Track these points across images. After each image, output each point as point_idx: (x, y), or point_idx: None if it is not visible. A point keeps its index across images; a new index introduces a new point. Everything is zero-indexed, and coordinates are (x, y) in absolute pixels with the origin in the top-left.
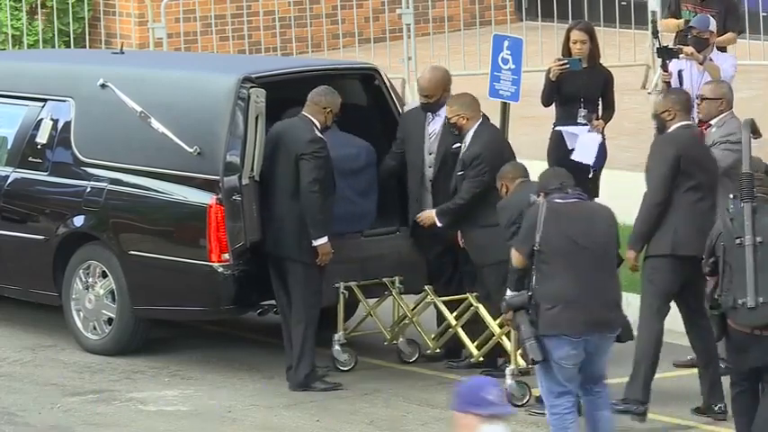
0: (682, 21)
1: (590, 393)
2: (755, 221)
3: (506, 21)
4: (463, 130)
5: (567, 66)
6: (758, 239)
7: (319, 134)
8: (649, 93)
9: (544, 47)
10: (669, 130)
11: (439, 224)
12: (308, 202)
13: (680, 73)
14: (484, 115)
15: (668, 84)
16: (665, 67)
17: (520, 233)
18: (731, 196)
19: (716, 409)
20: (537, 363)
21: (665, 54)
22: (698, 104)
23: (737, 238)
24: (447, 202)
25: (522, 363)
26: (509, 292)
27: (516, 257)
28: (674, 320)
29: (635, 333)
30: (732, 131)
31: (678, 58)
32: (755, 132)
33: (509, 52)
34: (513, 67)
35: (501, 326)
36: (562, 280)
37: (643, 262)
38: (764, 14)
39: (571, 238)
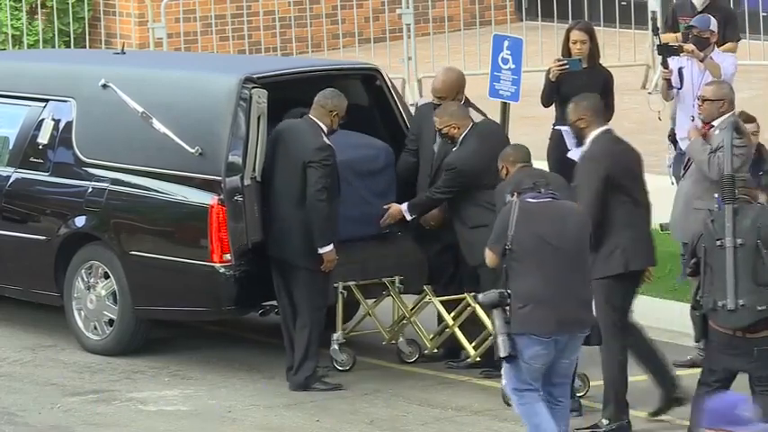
0: (680, 34)
1: (553, 400)
2: (736, 223)
3: (506, 21)
4: (455, 139)
5: (567, 66)
6: (739, 241)
7: (327, 140)
8: (649, 93)
9: (544, 47)
10: (589, 139)
11: (408, 218)
12: (314, 210)
13: (680, 71)
14: (484, 116)
15: (669, 81)
16: (665, 65)
17: (493, 232)
18: (715, 196)
19: None
20: (505, 359)
21: (666, 51)
22: (699, 105)
23: (718, 239)
24: (418, 196)
25: None
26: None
27: (489, 256)
28: (673, 320)
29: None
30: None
31: (679, 55)
32: (740, 132)
33: (509, 52)
34: (513, 66)
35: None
36: (533, 279)
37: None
38: (764, 14)
39: (542, 238)
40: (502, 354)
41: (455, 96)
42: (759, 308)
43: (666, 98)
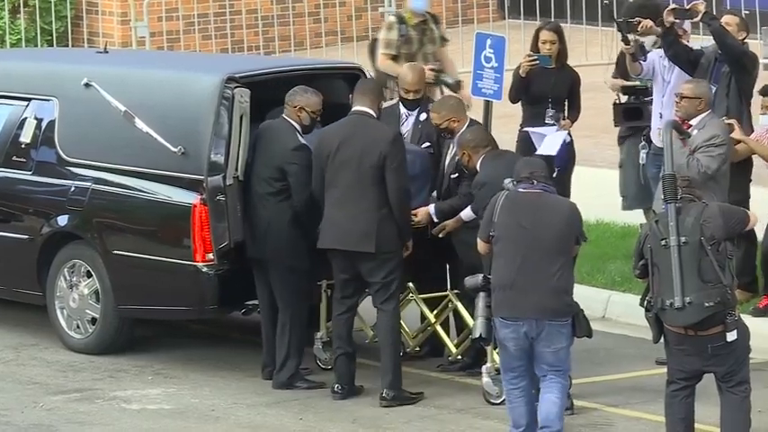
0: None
1: (544, 379)
2: (679, 222)
3: (489, 19)
4: (455, 133)
5: (537, 62)
6: (683, 240)
7: (302, 140)
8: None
9: (527, 45)
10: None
11: (435, 220)
12: (306, 210)
13: (653, 64)
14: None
15: (633, 56)
16: (625, 41)
17: (482, 222)
18: (660, 197)
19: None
20: (479, 339)
21: (625, 27)
22: (676, 102)
23: (663, 239)
24: (446, 201)
25: (497, 360)
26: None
27: (479, 245)
28: None
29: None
30: (715, 134)
31: (638, 31)
32: (682, 133)
33: (492, 50)
34: (495, 65)
35: None
36: (507, 264)
37: None
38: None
39: (520, 225)
40: (475, 334)
41: (423, 91)
42: (706, 304)
43: (633, 72)
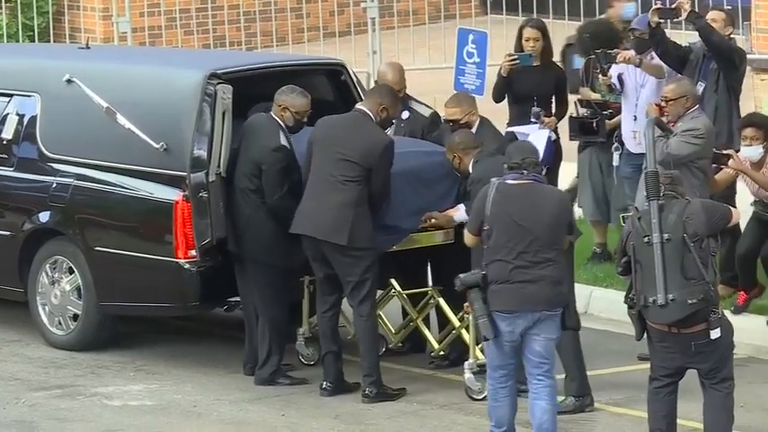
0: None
1: (532, 381)
2: (662, 219)
3: (471, 14)
4: (472, 126)
5: (518, 61)
6: (665, 237)
7: (282, 140)
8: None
9: (509, 41)
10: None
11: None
12: (277, 211)
13: (620, 77)
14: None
15: (609, 87)
16: (603, 72)
17: (471, 213)
18: (644, 194)
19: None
20: (488, 340)
21: (604, 58)
22: (663, 107)
23: (645, 236)
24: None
25: (480, 357)
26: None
27: (467, 237)
28: None
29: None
30: (695, 127)
31: (616, 62)
32: (664, 129)
33: (474, 46)
34: (477, 60)
35: (461, 320)
36: (500, 257)
37: None
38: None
39: (511, 217)
40: (488, 336)
41: (405, 88)
42: (690, 301)
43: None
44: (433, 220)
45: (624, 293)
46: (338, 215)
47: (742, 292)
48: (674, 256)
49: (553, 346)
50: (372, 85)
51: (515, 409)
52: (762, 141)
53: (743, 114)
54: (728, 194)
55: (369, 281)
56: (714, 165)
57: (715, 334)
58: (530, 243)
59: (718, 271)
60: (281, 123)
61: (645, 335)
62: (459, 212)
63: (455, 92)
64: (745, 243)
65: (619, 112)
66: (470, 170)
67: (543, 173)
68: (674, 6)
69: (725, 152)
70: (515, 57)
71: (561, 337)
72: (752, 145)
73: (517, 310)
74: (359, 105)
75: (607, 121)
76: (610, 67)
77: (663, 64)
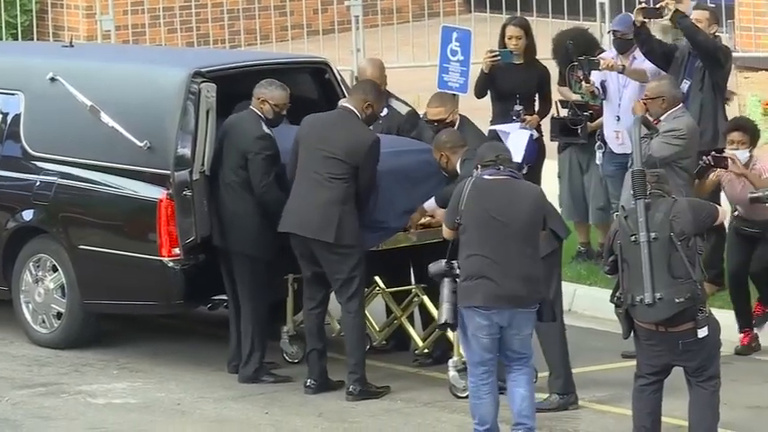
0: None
1: (511, 371)
2: (649, 218)
3: (455, 12)
4: (455, 124)
5: (499, 57)
6: (652, 235)
7: (266, 130)
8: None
9: (493, 39)
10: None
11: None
12: (265, 203)
13: (603, 84)
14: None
15: (593, 93)
16: (587, 80)
17: (448, 207)
18: (631, 193)
19: None
20: (445, 326)
21: (587, 65)
22: (645, 103)
23: (632, 235)
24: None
25: (465, 354)
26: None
27: (445, 230)
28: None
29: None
30: (677, 127)
31: (599, 69)
32: (650, 128)
33: (458, 44)
34: (461, 58)
35: None
36: (476, 253)
37: None
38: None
39: (488, 212)
40: (441, 320)
41: (384, 84)
42: (677, 300)
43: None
44: (429, 218)
45: (609, 291)
46: (325, 213)
47: (745, 332)
48: (661, 254)
49: (530, 339)
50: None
51: (498, 406)
52: (748, 145)
53: (728, 112)
54: (714, 190)
55: (357, 278)
56: (714, 167)
57: (702, 333)
58: (506, 238)
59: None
60: (262, 115)
61: (632, 334)
62: (429, 201)
63: (438, 90)
64: (733, 263)
65: (600, 113)
66: (458, 169)
67: (524, 171)
68: (658, 6)
69: (724, 155)
70: (496, 53)
71: (547, 335)
72: (738, 149)
73: (494, 306)
74: (343, 102)
75: (589, 123)
76: (590, 74)
77: (645, 68)
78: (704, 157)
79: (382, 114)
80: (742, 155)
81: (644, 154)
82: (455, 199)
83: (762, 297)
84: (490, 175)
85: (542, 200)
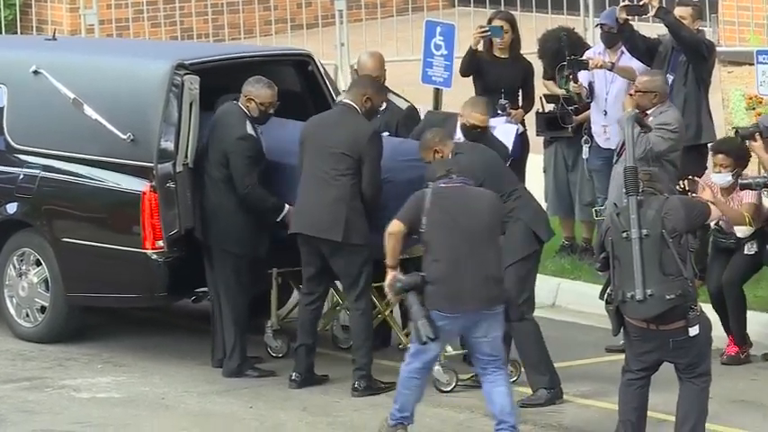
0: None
1: (486, 373)
2: (641, 215)
3: (439, 7)
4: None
5: (489, 32)
6: (644, 232)
7: (249, 129)
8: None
9: None
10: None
11: None
12: (249, 201)
13: (590, 85)
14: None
15: (580, 95)
16: (575, 79)
17: (403, 207)
18: (623, 191)
19: None
20: (430, 341)
21: (575, 65)
22: (632, 95)
23: (624, 232)
24: None
25: (448, 349)
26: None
27: (394, 223)
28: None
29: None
30: (668, 121)
31: (588, 69)
32: (643, 126)
33: (441, 38)
34: (445, 53)
35: None
36: (440, 257)
37: None
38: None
39: (451, 217)
40: (424, 338)
41: (384, 77)
42: (668, 297)
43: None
44: None
45: (593, 286)
46: (332, 211)
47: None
48: (653, 251)
49: (500, 340)
50: (340, 77)
51: (420, 397)
52: (732, 168)
53: (712, 107)
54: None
55: (364, 275)
56: (689, 192)
57: (694, 331)
58: (468, 242)
59: None
60: (248, 113)
61: (621, 330)
62: None
63: (422, 83)
64: (713, 285)
65: (586, 107)
66: None
67: (508, 164)
68: (642, 3)
69: (693, 178)
70: (486, 28)
71: (523, 344)
72: (721, 172)
73: (458, 311)
74: (343, 98)
75: (575, 117)
76: (578, 73)
77: (634, 66)
78: (680, 182)
79: (381, 108)
80: (723, 178)
81: (645, 149)
82: (413, 204)
83: (733, 332)
84: (445, 183)
85: (499, 204)
